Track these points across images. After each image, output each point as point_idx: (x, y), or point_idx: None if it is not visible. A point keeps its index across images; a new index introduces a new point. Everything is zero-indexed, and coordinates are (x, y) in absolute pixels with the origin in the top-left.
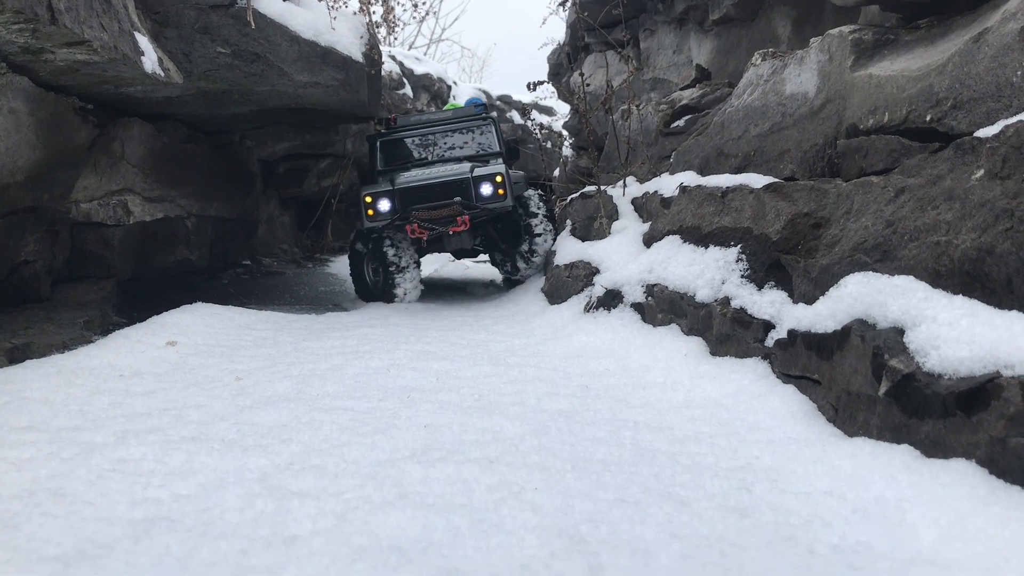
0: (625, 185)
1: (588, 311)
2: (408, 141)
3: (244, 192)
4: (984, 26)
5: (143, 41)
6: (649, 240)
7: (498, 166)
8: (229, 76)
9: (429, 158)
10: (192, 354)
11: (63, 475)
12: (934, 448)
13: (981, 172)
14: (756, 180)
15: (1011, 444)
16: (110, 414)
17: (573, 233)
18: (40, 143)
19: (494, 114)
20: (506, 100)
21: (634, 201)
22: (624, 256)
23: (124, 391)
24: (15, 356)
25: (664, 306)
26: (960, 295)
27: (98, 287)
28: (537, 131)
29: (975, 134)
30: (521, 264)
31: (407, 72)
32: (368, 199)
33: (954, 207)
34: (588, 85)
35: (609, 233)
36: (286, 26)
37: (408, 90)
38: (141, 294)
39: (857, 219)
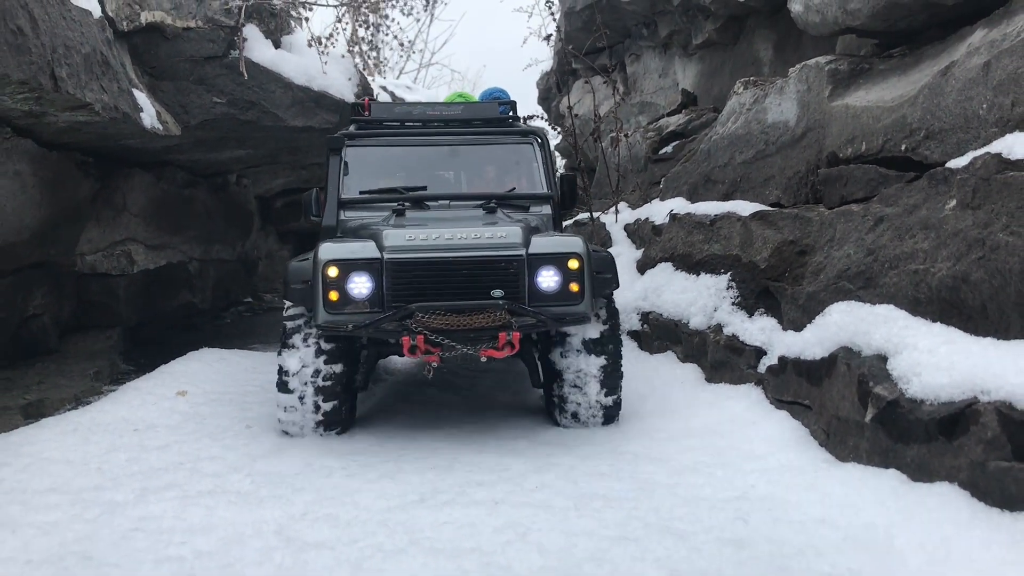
0: (617, 211)
1: None
2: (396, 151)
3: (243, 232)
4: (951, 59)
5: (141, 97)
6: (643, 267)
7: (571, 239)
8: (225, 124)
9: (431, 188)
10: (202, 403)
11: (89, 537)
12: (920, 472)
13: (954, 202)
14: (743, 207)
15: (990, 468)
16: (128, 471)
17: None
18: (45, 201)
19: (539, 126)
20: None
21: (627, 227)
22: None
23: (139, 446)
24: (29, 412)
25: (660, 333)
26: (939, 322)
27: (105, 336)
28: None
29: (947, 164)
30: (560, 417)
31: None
32: (333, 271)
33: (930, 236)
34: (576, 115)
35: None
36: (279, 73)
37: None
38: (147, 339)
39: (840, 247)
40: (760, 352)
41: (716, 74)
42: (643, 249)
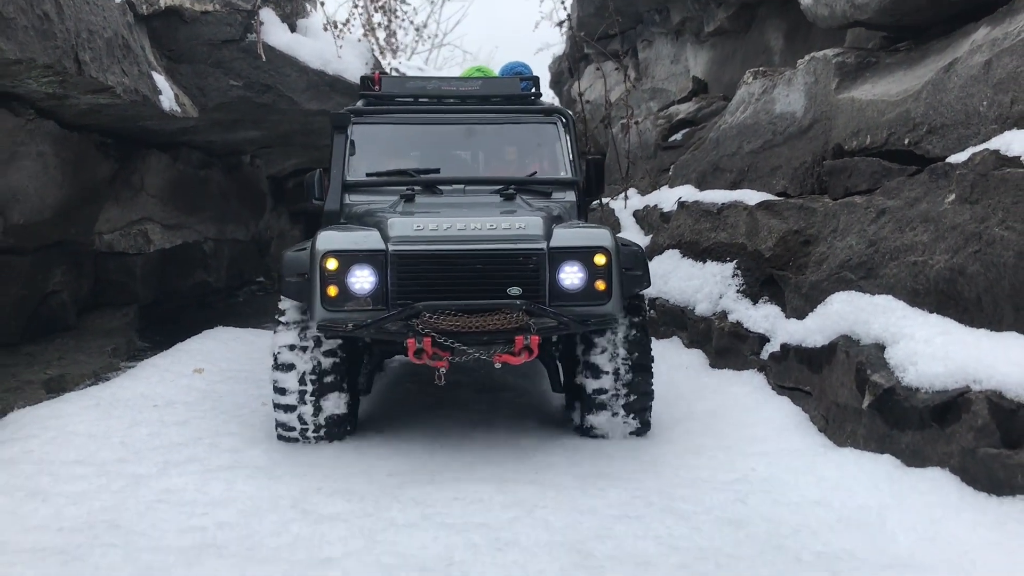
0: (627, 197)
1: None
2: (407, 129)
3: (256, 212)
4: (955, 55)
5: (160, 80)
6: (650, 253)
7: (598, 231)
8: (242, 107)
9: (445, 171)
10: (219, 380)
11: (116, 507)
12: (913, 457)
13: (952, 196)
14: (750, 196)
15: (980, 454)
16: (150, 445)
17: None
18: (66, 181)
19: (560, 106)
20: None
21: (635, 214)
22: None
23: (160, 421)
24: (51, 387)
25: (666, 318)
26: (936, 313)
27: (122, 313)
28: None
29: (947, 159)
30: (582, 419)
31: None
32: (332, 264)
33: (929, 229)
34: (588, 101)
35: None
36: (295, 57)
37: None
38: (162, 317)
39: (843, 238)
40: (763, 339)
41: (727, 62)
42: (651, 235)
